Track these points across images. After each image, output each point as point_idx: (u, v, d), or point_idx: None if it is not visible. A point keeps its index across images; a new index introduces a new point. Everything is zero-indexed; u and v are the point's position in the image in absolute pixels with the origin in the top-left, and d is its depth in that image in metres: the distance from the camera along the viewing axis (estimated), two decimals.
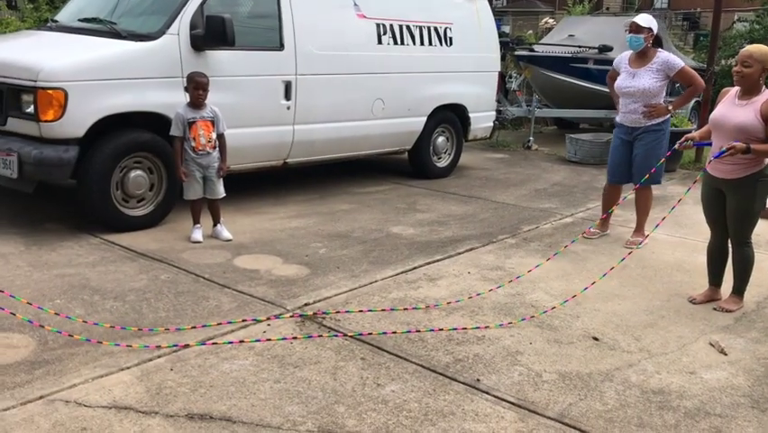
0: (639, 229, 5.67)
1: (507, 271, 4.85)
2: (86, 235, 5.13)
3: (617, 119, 5.69)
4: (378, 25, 6.90)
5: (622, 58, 5.66)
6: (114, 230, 5.18)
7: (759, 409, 3.12)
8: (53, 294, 4.03)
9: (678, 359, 3.59)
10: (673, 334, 3.90)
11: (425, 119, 7.54)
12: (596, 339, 3.79)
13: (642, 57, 5.47)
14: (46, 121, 4.81)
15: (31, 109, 4.84)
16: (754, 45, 4.07)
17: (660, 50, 5.54)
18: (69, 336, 3.41)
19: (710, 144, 4.24)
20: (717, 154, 3.98)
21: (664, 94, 5.56)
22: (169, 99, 5.28)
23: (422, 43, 7.37)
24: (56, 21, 6.18)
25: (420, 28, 7.33)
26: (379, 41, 6.93)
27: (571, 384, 3.28)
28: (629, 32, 5.44)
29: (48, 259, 4.63)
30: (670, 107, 5.53)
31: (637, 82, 5.41)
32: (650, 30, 5.40)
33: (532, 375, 3.36)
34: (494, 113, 8.64)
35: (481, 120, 8.31)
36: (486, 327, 3.84)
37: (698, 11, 37.36)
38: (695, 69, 5.78)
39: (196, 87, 5.01)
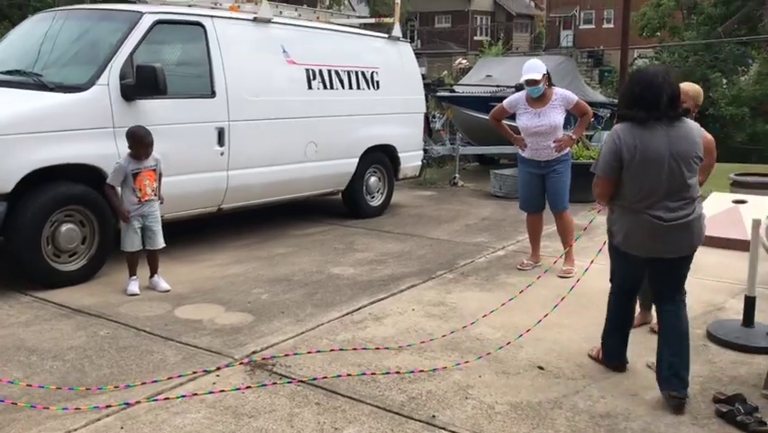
0: (569, 256, 5.93)
1: (449, 306, 4.95)
2: (16, 294, 4.93)
3: (526, 155, 5.92)
4: (307, 71, 7.01)
5: (517, 99, 5.89)
6: (45, 286, 5.01)
7: (699, 425, 3.30)
8: None
9: (620, 382, 3.75)
10: None
11: (357, 160, 7.67)
12: (541, 368, 3.92)
13: (541, 97, 5.75)
14: None
15: None
16: (687, 83, 4.38)
17: (554, 87, 5.90)
18: (13, 403, 3.27)
19: None
20: None
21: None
22: (101, 150, 5.21)
23: (350, 87, 7.53)
24: None
25: (348, 72, 7.49)
26: (309, 86, 7.04)
27: (523, 414, 3.38)
28: (528, 86, 5.67)
29: None
30: (573, 137, 5.87)
31: (546, 120, 5.72)
32: (544, 75, 5.69)
33: (484, 408, 3.44)
34: (422, 152, 8.87)
35: (410, 159, 8.51)
36: (444, 368, 3.89)
37: (601, 49, 39.57)
38: (605, 104, 6.15)
39: (147, 146, 4.99)
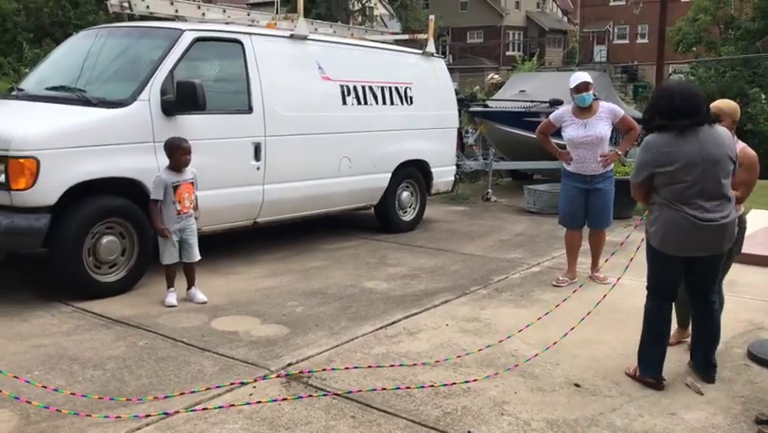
0: (596, 265, 6.07)
1: (483, 322, 4.94)
2: (58, 304, 5.05)
3: (571, 169, 5.92)
4: (342, 87, 7.09)
5: (563, 112, 5.95)
6: (86, 297, 5.11)
7: None
8: (31, 366, 3.94)
9: (658, 401, 3.70)
10: None
11: (389, 175, 7.71)
12: (577, 385, 3.88)
13: (588, 108, 5.79)
14: (17, 190, 4.77)
15: (2, 178, 4.80)
16: (723, 100, 4.35)
17: (600, 100, 5.93)
18: (57, 410, 3.34)
19: None
20: None
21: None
22: (141, 164, 5.32)
23: (384, 103, 7.59)
24: (21, 89, 6.17)
25: (382, 88, 7.55)
26: (344, 102, 7.11)
27: (560, 431, 3.35)
28: (578, 93, 5.74)
29: (20, 330, 4.53)
30: (619, 152, 5.85)
31: (593, 131, 5.72)
32: (593, 84, 5.81)
33: (520, 424, 3.42)
34: (455, 167, 8.88)
35: (443, 174, 8.53)
36: (474, 381, 3.89)
37: (635, 64, 39.24)
38: (639, 120, 6.10)
39: (185, 153, 5.09)
